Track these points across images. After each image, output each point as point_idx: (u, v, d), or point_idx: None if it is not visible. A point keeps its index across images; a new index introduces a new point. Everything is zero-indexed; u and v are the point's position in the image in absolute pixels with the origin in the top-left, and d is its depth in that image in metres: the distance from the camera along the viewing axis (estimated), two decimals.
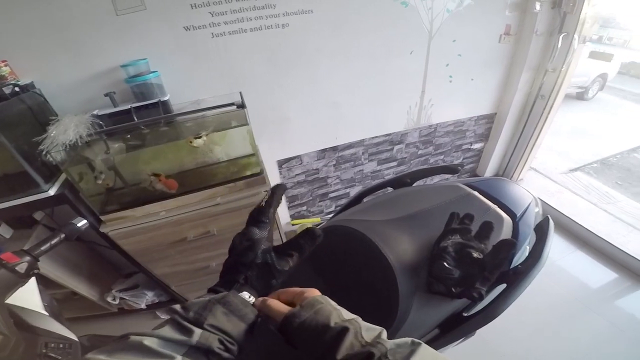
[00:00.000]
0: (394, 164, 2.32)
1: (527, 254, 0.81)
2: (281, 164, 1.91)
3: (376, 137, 2.09)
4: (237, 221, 1.38)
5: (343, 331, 0.38)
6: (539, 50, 2.08)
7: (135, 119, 1.15)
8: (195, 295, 0.42)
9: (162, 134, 1.26)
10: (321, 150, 1.97)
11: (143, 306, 1.83)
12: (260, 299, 0.46)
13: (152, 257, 1.42)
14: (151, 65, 1.28)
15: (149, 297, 1.84)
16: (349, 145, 2.05)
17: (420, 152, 2.33)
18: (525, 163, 2.57)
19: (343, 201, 2.32)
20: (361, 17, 1.57)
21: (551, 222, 0.85)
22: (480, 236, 0.70)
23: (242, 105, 1.21)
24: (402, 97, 1.99)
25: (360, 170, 2.23)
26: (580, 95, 5.26)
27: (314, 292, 0.46)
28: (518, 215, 0.86)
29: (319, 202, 2.25)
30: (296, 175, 2.01)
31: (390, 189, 1.01)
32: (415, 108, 2.06)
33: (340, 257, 0.77)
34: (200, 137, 1.19)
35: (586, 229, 2.29)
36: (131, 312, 1.86)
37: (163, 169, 1.29)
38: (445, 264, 0.65)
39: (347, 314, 0.43)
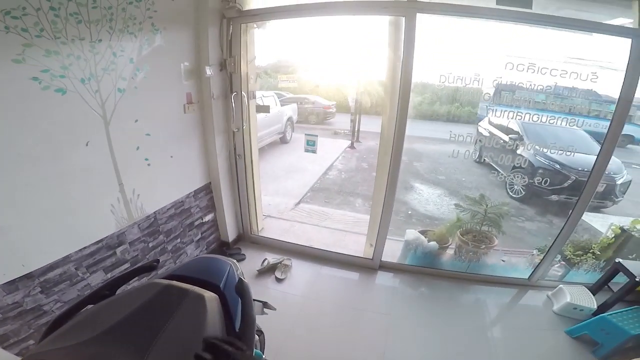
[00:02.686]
0: (127, 265, 1.95)
1: None
2: None
3: (84, 248, 1.68)
4: None
5: None
6: (221, 112, 2.33)
7: None
8: None
9: None
10: (7, 282, 1.38)
11: None
12: None
13: None
14: None
15: None
16: (51, 267, 1.54)
17: (151, 244, 2.09)
18: (256, 215, 2.87)
19: None
20: None
21: (244, 282, 0.95)
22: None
23: None
24: (97, 197, 1.70)
25: (85, 285, 1.72)
26: (284, 139, 6.63)
27: None
28: (221, 286, 0.92)
29: None
30: None
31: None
32: (120, 204, 1.81)
33: None
34: None
35: (319, 248, 2.78)
36: None
37: None
38: None
39: None
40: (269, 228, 3.15)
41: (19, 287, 1.46)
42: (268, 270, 2.57)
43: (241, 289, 0.93)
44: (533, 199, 4.05)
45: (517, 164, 2.43)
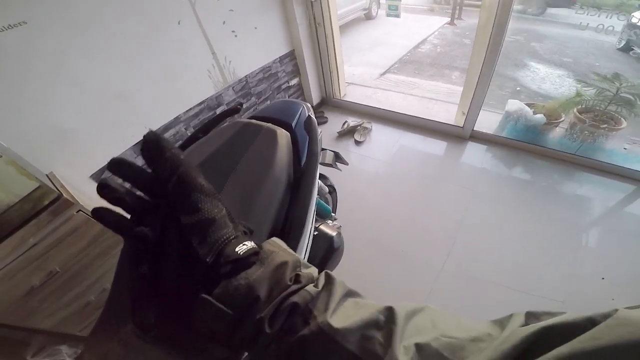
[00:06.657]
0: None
1: None
2: (98, 177, 1.61)
3: (190, 109, 1.98)
4: (74, 249, 1.30)
5: None
6: None
7: None
8: None
9: None
10: (137, 144, 1.74)
11: None
12: None
13: (17, 316, 1.23)
14: None
15: (66, 349, 1.49)
16: (166, 127, 1.88)
17: (245, 105, 2.39)
18: (339, 81, 2.87)
19: None
20: (100, 7, 1.41)
21: (312, 118, 1.04)
22: None
23: None
24: (194, 65, 1.92)
25: None
26: (368, 16, 6.11)
27: None
28: (293, 124, 0.98)
29: None
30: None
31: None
32: (215, 69, 2.05)
33: None
34: None
35: (402, 113, 2.72)
36: None
37: None
38: None
39: None
40: (351, 94, 3.18)
41: None
42: (348, 133, 2.66)
43: (308, 124, 1.01)
44: None
45: None
